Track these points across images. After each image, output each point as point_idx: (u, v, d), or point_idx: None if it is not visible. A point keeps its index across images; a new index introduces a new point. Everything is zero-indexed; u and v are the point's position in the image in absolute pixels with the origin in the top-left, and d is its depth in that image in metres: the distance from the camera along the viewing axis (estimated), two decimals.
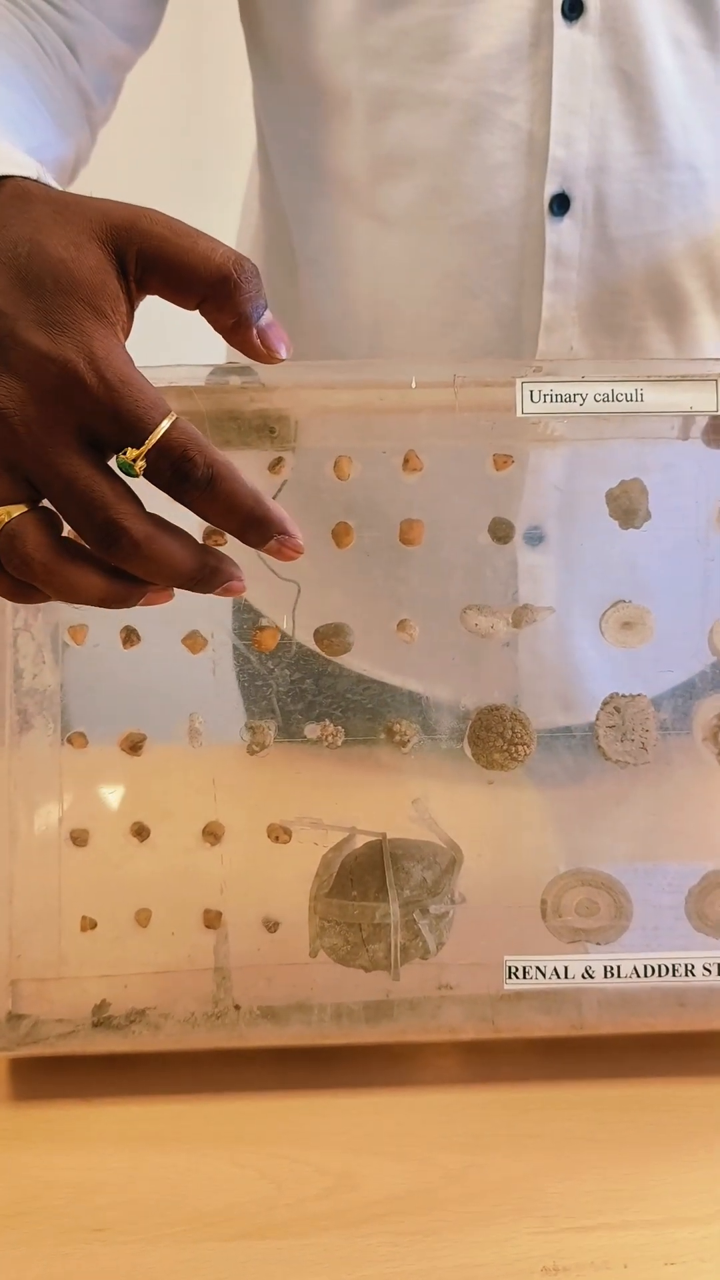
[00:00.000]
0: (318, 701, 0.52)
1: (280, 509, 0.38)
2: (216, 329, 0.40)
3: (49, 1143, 0.46)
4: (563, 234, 0.60)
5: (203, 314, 0.39)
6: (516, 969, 0.49)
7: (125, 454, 0.36)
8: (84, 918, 0.51)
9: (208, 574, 0.39)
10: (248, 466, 0.50)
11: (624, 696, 0.52)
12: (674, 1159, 0.45)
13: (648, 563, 0.52)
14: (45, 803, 0.51)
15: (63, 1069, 0.49)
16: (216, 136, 1.08)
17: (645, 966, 0.49)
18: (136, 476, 0.37)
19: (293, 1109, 0.48)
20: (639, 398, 0.49)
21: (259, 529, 0.38)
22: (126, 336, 0.39)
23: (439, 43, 0.58)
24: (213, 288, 0.38)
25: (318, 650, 0.52)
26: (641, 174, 0.60)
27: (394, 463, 0.51)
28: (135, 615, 0.51)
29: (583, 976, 0.49)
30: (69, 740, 0.51)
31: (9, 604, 0.51)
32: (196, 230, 0.39)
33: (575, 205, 0.60)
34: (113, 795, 0.52)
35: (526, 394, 0.49)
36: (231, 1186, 0.44)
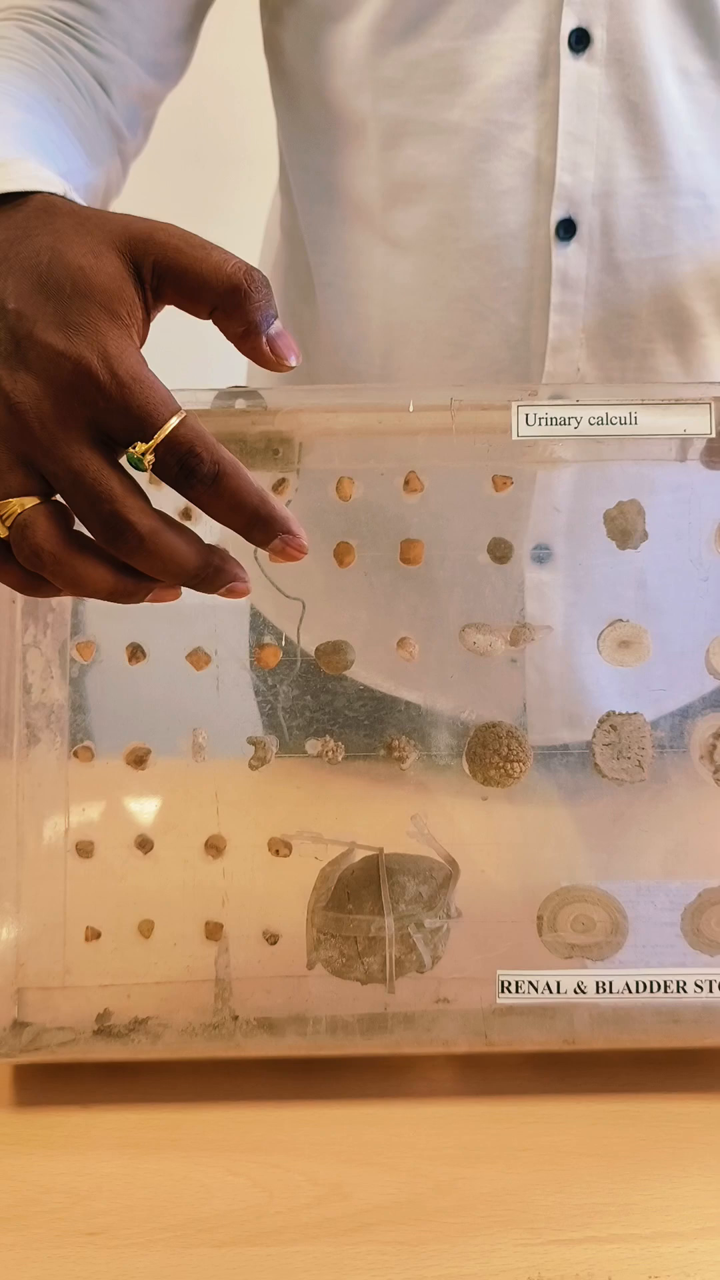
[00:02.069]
0: (318, 717, 0.53)
1: (285, 509, 0.39)
2: (228, 337, 0.41)
3: (48, 1148, 0.47)
4: (569, 258, 0.61)
5: (215, 323, 0.41)
6: (509, 983, 0.49)
7: (135, 448, 0.37)
8: (88, 928, 0.52)
9: (211, 573, 0.39)
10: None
11: (621, 714, 0.52)
12: (662, 1174, 0.46)
13: (654, 583, 0.53)
14: (51, 815, 0.52)
15: (64, 1076, 0.50)
16: (238, 163, 1.10)
17: (637, 982, 0.49)
18: (145, 471, 0.38)
19: (287, 1119, 0.48)
20: (633, 421, 0.50)
21: (264, 527, 0.39)
22: (142, 343, 0.40)
23: (449, 74, 0.60)
24: (223, 297, 0.39)
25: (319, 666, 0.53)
26: (648, 200, 0.60)
27: (395, 483, 0.51)
28: (141, 632, 0.52)
29: (575, 991, 0.49)
30: (75, 754, 0.52)
31: (18, 621, 0.52)
32: (210, 243, 0.40)
33: (581, 230, 0.60)
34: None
35: (522, 417, 0.50)
36: (224, 1194, 0.45)
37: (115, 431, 0.38)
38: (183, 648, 0.52)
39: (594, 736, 0.52)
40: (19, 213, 0.41)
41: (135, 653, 0.52)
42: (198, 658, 0.52)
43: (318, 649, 0.52)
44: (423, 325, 0.64)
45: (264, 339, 0.40)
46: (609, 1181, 0.45)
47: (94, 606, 0.53)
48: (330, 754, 0.52)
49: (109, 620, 0.52)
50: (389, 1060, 0.51)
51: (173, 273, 0.39)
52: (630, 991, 0.49)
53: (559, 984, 0.49)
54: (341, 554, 0.52)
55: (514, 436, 0.50)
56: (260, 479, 0.51)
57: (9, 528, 0.38)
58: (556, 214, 0.60)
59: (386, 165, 0.62)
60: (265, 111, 0.71)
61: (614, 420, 0.50)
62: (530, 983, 0.49)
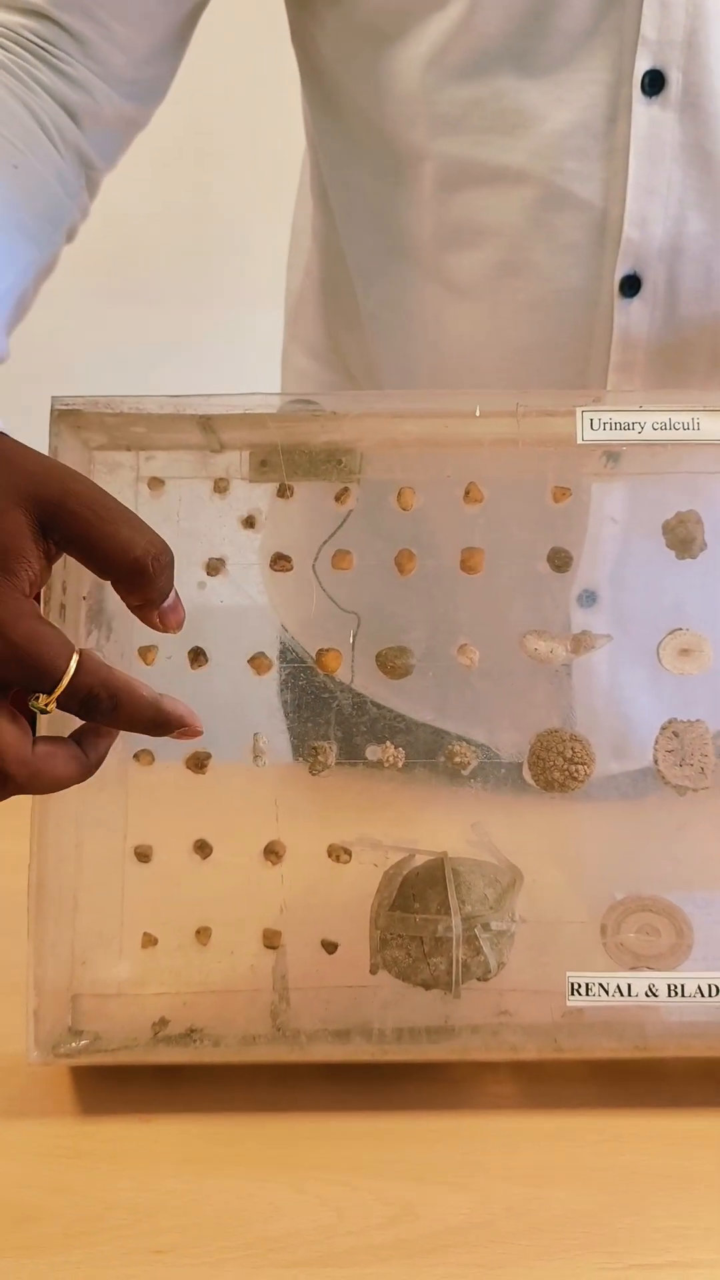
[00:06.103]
0: (379, 723, 0.49)
1: (177, 706, 0.40)
2: (124, 600, 0.41)
3: (109, 1162, 0.42)
4: (632, 316, 0.55)
5: (113, 587, 0.40)
6: (579, 985, 0.45)
7: (37, 700, 0.38)
8: (145, 934, 0.47)
9: (92, 771, 0.40)
10: (316, 496, 0.48)
11: (682, 721, 0.48)
12: None
13: (705, 603, 0.49)
14: (111, 819, 0.48)
15: (122, 1087, 0.45)
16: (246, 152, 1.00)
17: (710, 986, 0.45)
18: (49, 714, 0.38)
19: (353, 1133, 0.43)
20: (695, 426, 0.47)
21: (161, 728, 0.40)
22: (43, 583, 0.39)
23: (511, 115, 0.54)
24: (128, 577, 0.39)
25: (380, 676, 0.49)
26: (714, 252, 0.55)
27: (455, 493, 0.48)
28: (203, 638, 0.49)
29: (646, 994, 0.44)
30: (135, 757, 0.49)
31: (83, 626, 0.48)
32: (120, 514, 0.39)
33: (646, 287, 0.55)
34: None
35: (586, 422, 0.46)
36: (293, 1212, 0.40)
37: (15, 684, 0.37)
38: (244, 652, 0.49)
39: (656, 743, 0.48)
40: None
41: (197, 657, 0.48)
42: (259, 662, 0.49)
43: (379, 655, 0.49)
44: (475, 375, 0.59)
45: (156, 613, 0.41)
46: (688, 1204, 0.40)
47: None
48: (391, 760, 0.48)
49: None
50: (453, 1073, 0.46)
51: (79, 544, 0.38)
52: (703, 995, 0.44)
53: (630, 986, 0.44)
54: (402, 562, 0.49)
55: (579, 440, 0.46)
56: (324, 488, 0.48)
57: None
58: (621, 270, 0.54)
59: (442, 206, 0.57)
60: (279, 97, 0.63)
61: (677, 425, 0.47)
62: (601, 985, 0.44)
